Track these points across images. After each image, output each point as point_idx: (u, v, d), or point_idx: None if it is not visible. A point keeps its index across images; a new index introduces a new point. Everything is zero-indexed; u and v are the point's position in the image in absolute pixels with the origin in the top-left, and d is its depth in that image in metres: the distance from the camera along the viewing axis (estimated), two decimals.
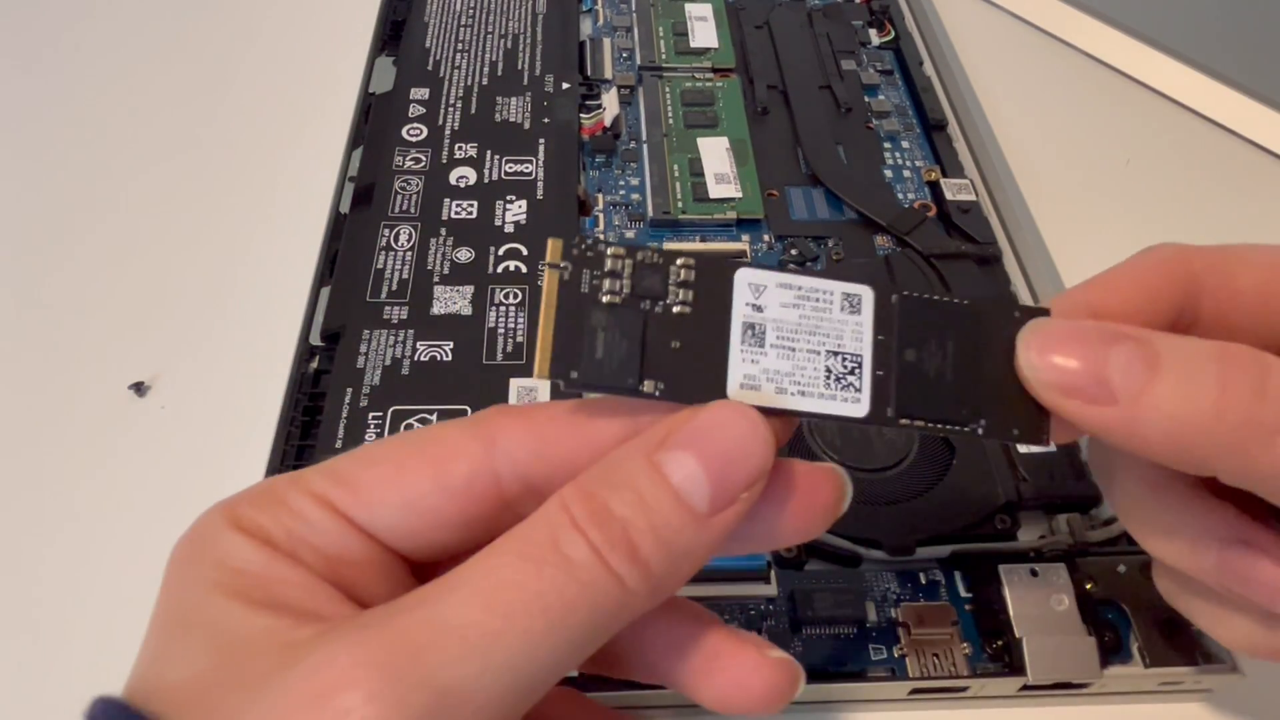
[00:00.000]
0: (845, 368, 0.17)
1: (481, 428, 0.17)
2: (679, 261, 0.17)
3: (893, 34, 0.46)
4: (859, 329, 0.17)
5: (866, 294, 0.17)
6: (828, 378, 0.17)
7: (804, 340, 0.17)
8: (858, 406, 0.17)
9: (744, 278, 0.17)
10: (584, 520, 0.15)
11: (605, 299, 0.17)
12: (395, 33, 0.45)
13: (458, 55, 0.43)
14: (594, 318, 0.17)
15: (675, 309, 0.17)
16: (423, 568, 0.18)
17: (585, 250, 0.17)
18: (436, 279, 0.34)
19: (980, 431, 0.17)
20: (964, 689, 0.26)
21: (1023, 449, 0.29)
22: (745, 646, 0.18)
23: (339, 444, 0.29)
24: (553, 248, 0.17)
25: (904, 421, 0.17)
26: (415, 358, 0.31)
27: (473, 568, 0.15)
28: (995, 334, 0.17)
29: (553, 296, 0.17)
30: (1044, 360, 0.17)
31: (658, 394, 0.16)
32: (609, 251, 0.17)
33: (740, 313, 0.17)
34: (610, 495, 0.15)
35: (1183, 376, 0.16)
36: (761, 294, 0.17)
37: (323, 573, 0.17)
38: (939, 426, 0.17)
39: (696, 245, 0.37)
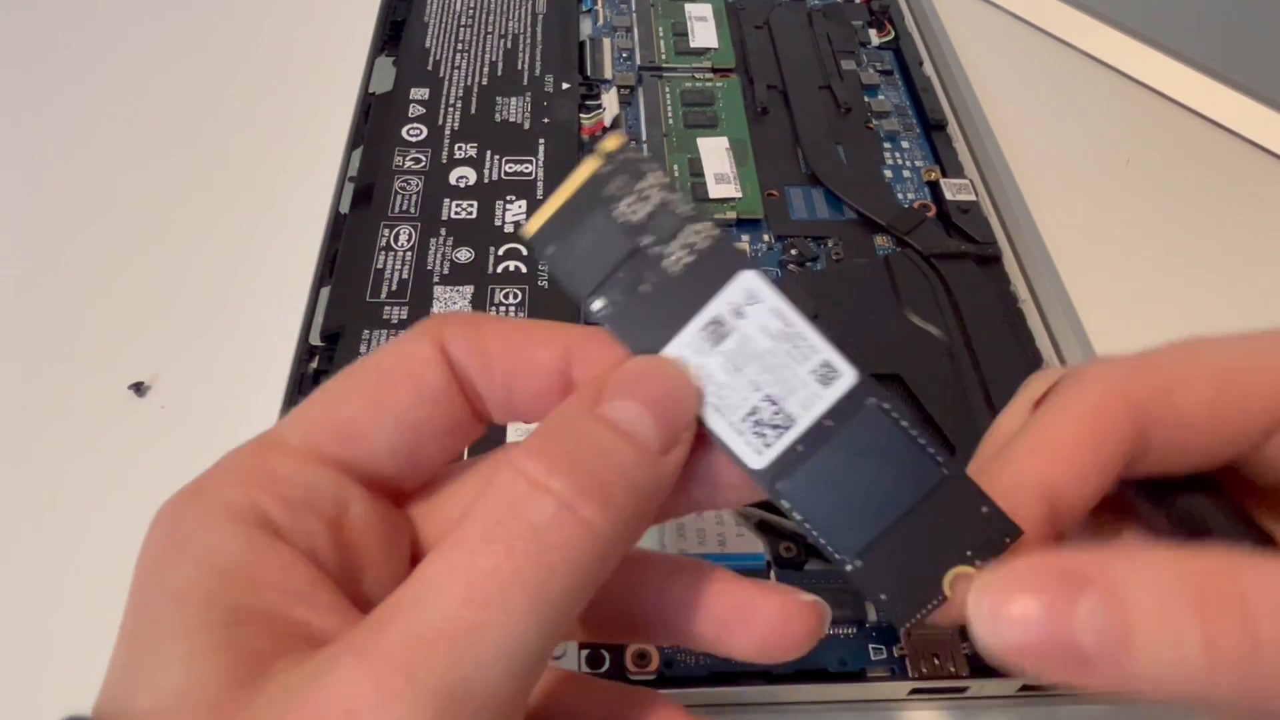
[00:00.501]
0: (772, 420, 0.16)
1: (429, 334, 0.17)
2: (698, 228, 0.17)
3: (893, 34, 0.46)
4: (814, 400, 0.16)
5: (848, 378, 0.16)
6: (749, 416, 0.16)
7: (754, 370, 0.16)
8: (756, 458, 0.16)
9: (743, 280, 0.16)
10: (546, 474, 0.15)
11: (614, 211, 0.17)
12: (395, 33, 0.45)
13: (458, 55, 0.43)
14: (595, 219, 0.17)
15: (665, 261, 0.17)
16: (415, 511, 0.18)
17: (637, 160, 0.17)
18: (436, 279, 0.34)
19: (849, 569, 0.16)
20: (964, 689, 0.26)
21: None
22: (774, 595, 0.18)
23: None
24: (612, 141, 0.17)
25: (784, 504, 0.16)
26: None
27: (442, 561, 0.15)
28: (944, 510, 0.16)
29: (580, 179, 0.17)
30: (999, 634, 0.15)
31: (602, 312, 0.17)
32: (650, 176, 0.17)
33: (717, 306, 0.16)
34: (569, 447, 0.15)
35: (1162, 637, 0.14)
36: (750, 304, 0.16)
37: (326, 554, 0.16)
38: (813, 534, 0.16)
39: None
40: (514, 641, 0.14)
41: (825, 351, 0.16)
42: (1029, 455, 0.17)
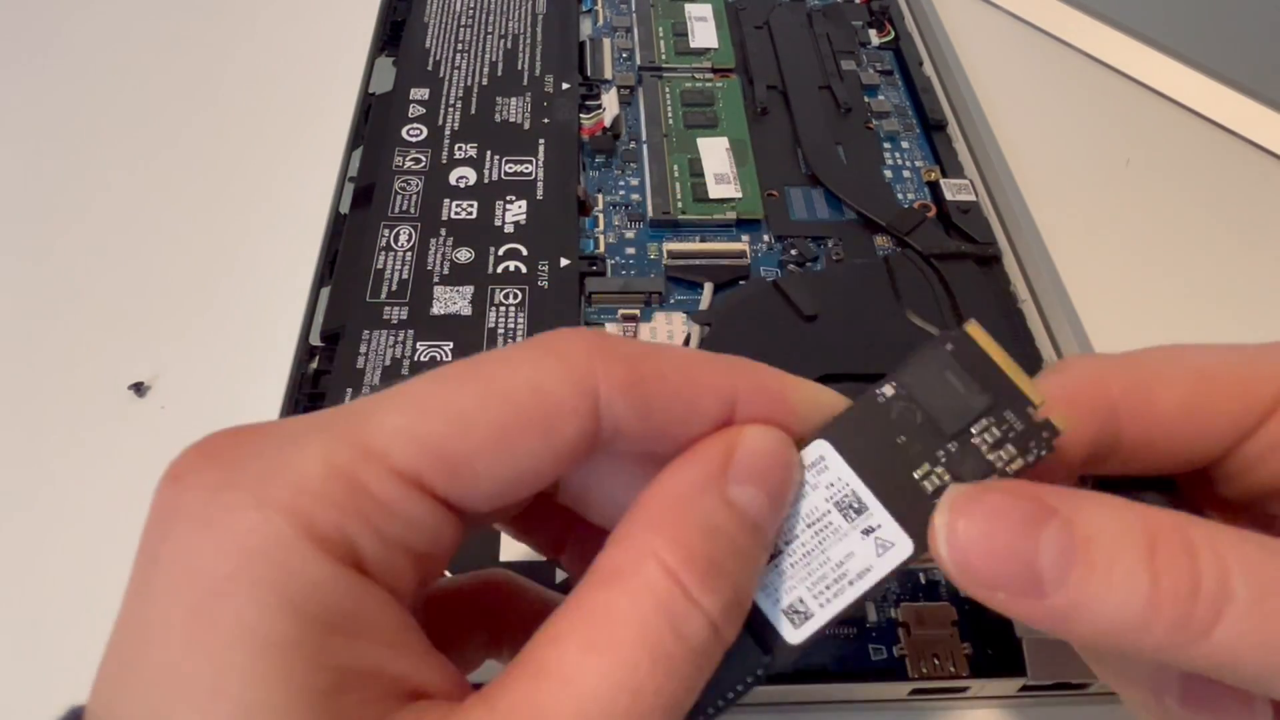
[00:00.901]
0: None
1: (580, 373, 0.15)
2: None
3: (892, 34, 0.46)
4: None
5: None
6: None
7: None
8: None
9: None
10: (697, 589, 0.14)
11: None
12: (395, 33, 0.45)
13: (458, 55, 0.43)
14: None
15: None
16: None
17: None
18: (436, 279, 0.34)
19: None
20: (964, 689, 0.26)
21: None
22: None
23: None
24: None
25: None
26: (415, 358, 0.31)
27: (595, 659, 0.13)
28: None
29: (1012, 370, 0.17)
30: (961, 555, 0.15)
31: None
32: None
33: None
34: (709, 550, 0.14)
35: (1114, 572, 0.15)
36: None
37: (413, 595, 0.14)
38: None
39: (699, 245, 0.37)
40: None
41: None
42: None
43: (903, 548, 0.16)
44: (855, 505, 0.16)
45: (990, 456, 0.16)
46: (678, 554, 0.14)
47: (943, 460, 0.16)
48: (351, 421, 0.14)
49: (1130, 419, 0.17)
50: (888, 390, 0.16)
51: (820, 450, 0.16)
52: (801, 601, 0.16)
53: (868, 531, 0.16)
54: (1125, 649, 0.15)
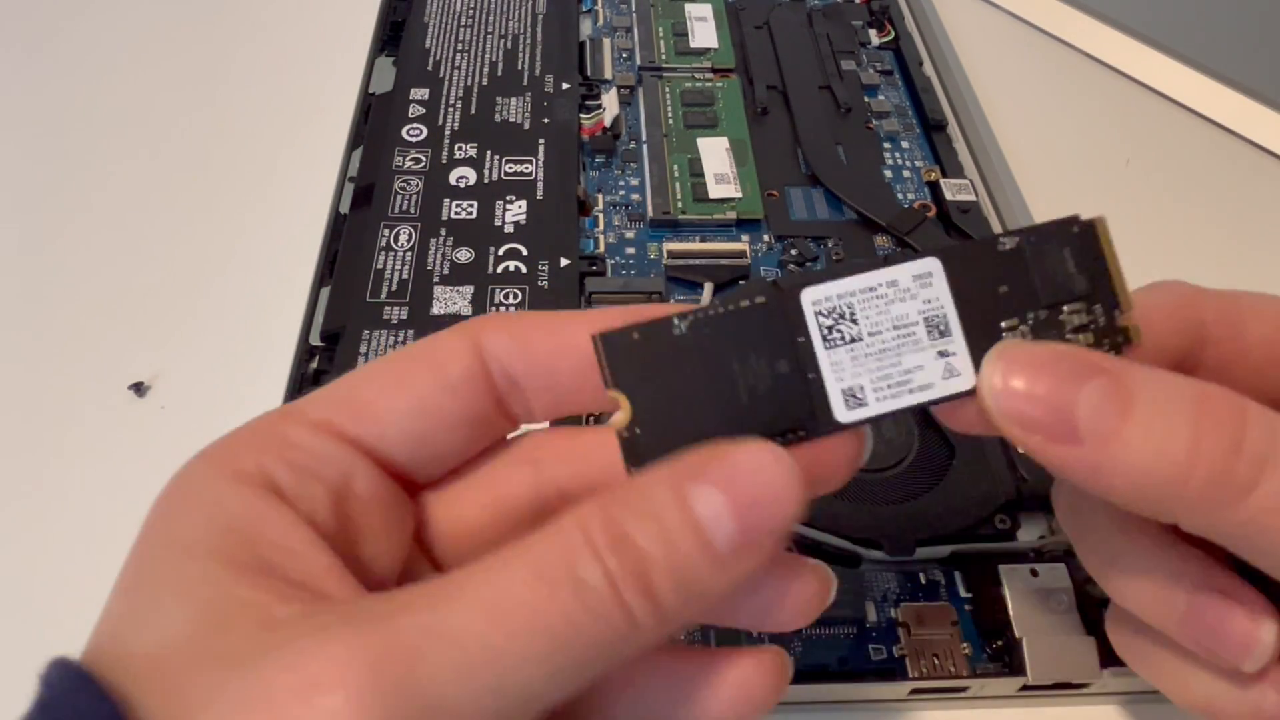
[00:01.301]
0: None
1: (467, 331, 0.18)
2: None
3: (892, 34, 0.46)
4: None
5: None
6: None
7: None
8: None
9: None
10: (603, 546, 0.14)
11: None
12: (395, 33, 0.45)
13: (458, 55, 0.43)
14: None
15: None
16: (427, 498, 0.18)
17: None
18: (436, 279, 0.34)
19: None
20: (964, 689, 0.26)
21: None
22: (801, 565, 0.18)
23: None
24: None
25: None
26: None
27: (480, 575, 0.14)
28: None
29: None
30: (1007, 386, 0.16)
31: None
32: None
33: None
34: (632, 523, 0.15)
35: (1155, 422, 0.15)
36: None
37: (327, 521, 0.16)
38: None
39: (699, 245, 0.37)
40: (519, 681, 0.14)
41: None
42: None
43: (967, 379, 0.17)
44: (941, 327, 0.17)
45: (1069, 336, 0.17)
46: (602, 507, 0.15)
47: (1030, 321, 0.17)
48: (290, 403, 0.18)
49: (1217, 344, 0.18)
50: (1009, 243, 0.17)
51: (930, 266, 0.17)
52: (862, 389, 0.17)
53: (943, 354, 0.17)
54: (1158, 505, 0.15)
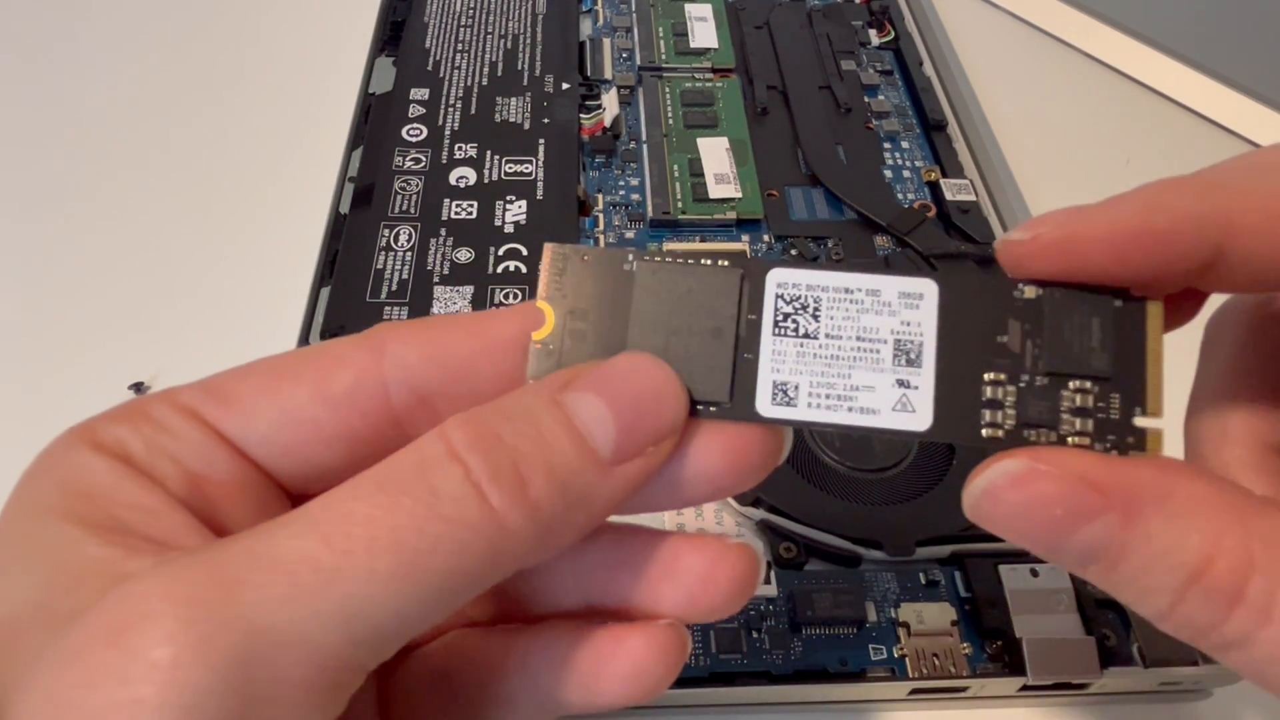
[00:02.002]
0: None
1: (370, 337, 0.17)
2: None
3: (892, 34, 0.46)
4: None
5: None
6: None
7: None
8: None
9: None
10: (465, 447, 0.13)
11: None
12: (395, 33, 0.45)
13: (458, 55, 0.43)
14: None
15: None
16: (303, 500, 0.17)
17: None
18: (436, 279, 0.34)
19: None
20: (964, 689, 0.26)
21: None
22: (706, 542, 0.16)
23: None
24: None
25: None
26: None
27: (323, 499, 0.13)
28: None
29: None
30: (997, 514, 0.14)
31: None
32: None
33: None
34: (503, 424, 0.14)
35: (1143, 581, 0.14)
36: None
37: (182, 493, 0.15)
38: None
39: (699, 245, 0.37)
40: (365, 603, 0.13)
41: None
42: (1106, 238, 0.15)
43: (919, 422, 0.15)
44: (911, 354, 0.15)
45: (1064, 417, 0.15)
46: (464, 417, 0.14)
47: (1021, 384, 0.15)
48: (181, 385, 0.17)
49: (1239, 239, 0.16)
50: (1028, 291, 0.15)
51: (924, 288, 0.15)
52: (796, 388, 0.15)
53: (902, 384, 0.15)
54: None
